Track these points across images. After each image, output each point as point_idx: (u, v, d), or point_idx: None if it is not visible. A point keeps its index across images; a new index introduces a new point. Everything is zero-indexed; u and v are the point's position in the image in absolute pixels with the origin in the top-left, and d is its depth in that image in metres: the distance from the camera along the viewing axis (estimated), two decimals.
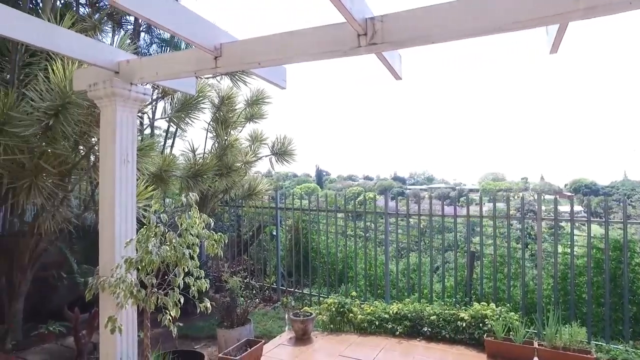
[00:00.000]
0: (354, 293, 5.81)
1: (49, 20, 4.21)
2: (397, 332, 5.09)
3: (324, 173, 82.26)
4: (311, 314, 5.30)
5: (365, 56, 2.73)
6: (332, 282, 7.03)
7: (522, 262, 5.55)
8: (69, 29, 3.92)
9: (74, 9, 6.58)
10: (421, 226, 7.49)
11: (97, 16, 6.45)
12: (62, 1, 6.65)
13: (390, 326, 5.17)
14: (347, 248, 6.93)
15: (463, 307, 5.25)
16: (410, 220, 6.56)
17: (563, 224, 6.21)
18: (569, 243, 5.17)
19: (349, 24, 2.44)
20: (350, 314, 5.34)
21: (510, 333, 4.54)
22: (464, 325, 4.84)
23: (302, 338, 5.14)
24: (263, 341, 4.66)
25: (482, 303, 5.08)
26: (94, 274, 3.38)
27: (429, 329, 5.01)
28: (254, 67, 2.97)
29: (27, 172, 4.59)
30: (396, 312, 5.26)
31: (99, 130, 3.71)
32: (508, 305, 5.18)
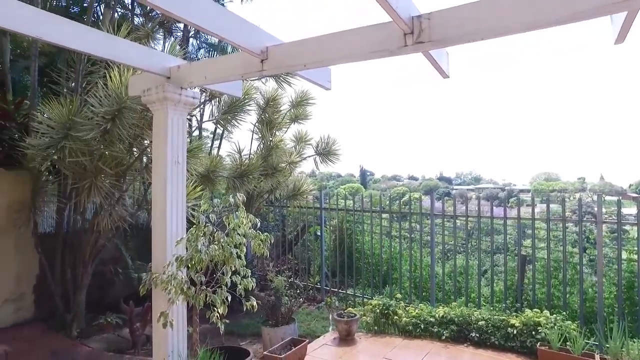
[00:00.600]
0: (398, 295, 5.72)
1: (107, 32, 4.47)
2: (443, 337, 4.95)
3: (368, 173, 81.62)
4: (355, 314, 5.28)
5: (410, 54, 2.69)
6: (376, 283, 6.97)
7: (579, 268, 5.22)
8: (124, 38, 4.14)
9: (129, 19, 6.95)
10: (468, 228, 7.25)
11: (149, 25, 6.77)
12: (119, 13, 7.04)
13: (436, 330, 5.04)
14: (392, 249, 6.84)
15: (514, 313, 5.02)
16: (457, 221, 6.36)
17: (627, 227, 5.79)
18: (636, 249, 4.80)
19: (394, 23, 2.41)
20: (395, 316, 5.26)
21: (567, 343, 4.27)
22: (515, 332, 4.63)
23: (345, 339, 5.12)
24: (307, 340, 4.69)
25: (534, 310, 4.83)
26: (146, 270, 3.55)
27: (477, 335, 4.83)
28: (300, 69, 3.00)
29: (88, 173, 4.90)
30: (442, 316, 5.12)
31: (151, 133, 3.90)
32: (564, 313, 4.88)
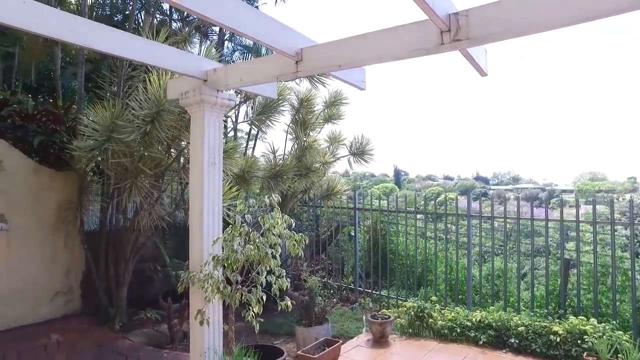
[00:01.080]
0: (434, 297, 5.60)
1: (147, 37, 4.63)
2: (481, 342, 4.81)
3: (402, 173, 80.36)
4: (389, 316, 5.21)
5: (446, 53, 2.62)
6: (411, 285, 6.86)
7: (631, 274, 4.92)
8: (163, 43, 4.27)
9: (168, 24, 7.18)
10: (506, 229, 7.00)
11: (186, 29, 6.97)
12: (158, 19, 7.29)
13: (472, 334, 4.90)
14: (427, 250, 6.71)
15: (556, 320, 4.79)
16: (495, 222, 6.17)
17: None
18: None
19: (431, 21, 2.36)
20: (430, 319, 5.16)
21: (619, 355, 4.02)
22: (558, 340, 4.42)
23: (379, 341, 5.07)
24: (341, 341, 4.68)
25: (579, 317, 4.60)
26: (183, 268, 3.65)
27: (517, 341, 4.66)
28: (334, 70, 2.99)
29: (129, 174, 5.10)
30: (479, 320, 4.97)
31: (189, 135, 4.00)
32: (613, 322, 4.60)
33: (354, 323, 6.10)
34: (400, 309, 5.48)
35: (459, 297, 6.32)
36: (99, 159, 5.04)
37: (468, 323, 5.00)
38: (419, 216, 7.03)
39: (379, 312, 5.37)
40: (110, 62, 6.04)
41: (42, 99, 7.34)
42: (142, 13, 7.03)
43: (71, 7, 7.38)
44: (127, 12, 7.15)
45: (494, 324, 4.87)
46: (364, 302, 6.07)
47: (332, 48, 2.92)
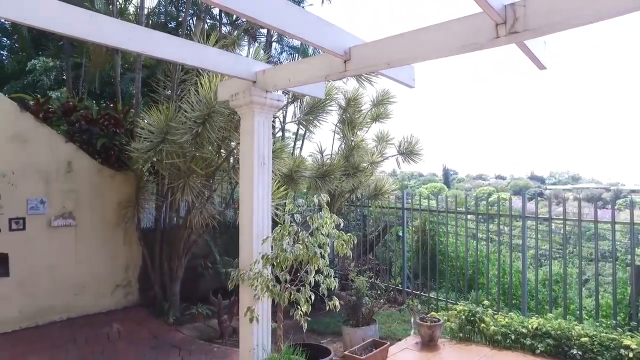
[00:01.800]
0: (485, 301, 5.38)
1: (199, 42, 4.80)
2: (538, 351, 4.54)
3: (451, 172, 77.82)
4: (439, 319, 5.07)
5: (499, 47, 2.49)
6: (461, 288, 6.64)
7: None
8: (213, 46, 4.40)
9: (218, 28, 7.41)
10: (565, 231, 6.60)
11: (235, 33, 7.15)
12: (209, 24, 7.54)
13: (529, 342, 4.64)
14: (478, 252, 6.46)
15: (627, 333, 4.41)
16: (552, 224, 5.81)
17: None
18: None
19: (485, 14, 2.26)
20: (482, 324, 4.95)
21: None
22: (631, 355, 4.04)
23: (428, 344, 4.94)
24: (388, 343, 4.60)
25: None
26: (232, 266, 3.75)
27: (579, 352, 4.35)
28: (383, 69, 2.94)
29: (182, 174, 5.31)
30: (536, 327, 4.70)
31: (238, 136, 4.10)
32: None
33: (401, 325, 5.99)
34: (450, 312, 5.31)
35: (513, 302, 6.03)
36: (154, 159, 5.29)
37: (523, 330, 4.75)
38: (469, 217, 6.78)
39: (428, 315, 5.23)
40: (165, 67, 6.33)
41: (104, 104, 7.83)
42: (194, 19, 7.30)
43: (130, 17, 7.82)
44: (180, 19, 7.46)
45: (552, 332, 4.59)
46: (412, 304, 5.94)
47: (381, 46, 2.88)
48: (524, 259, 5.70)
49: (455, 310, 5.18)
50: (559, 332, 4.56)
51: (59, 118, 6.48)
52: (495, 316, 5.12)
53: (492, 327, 4.90)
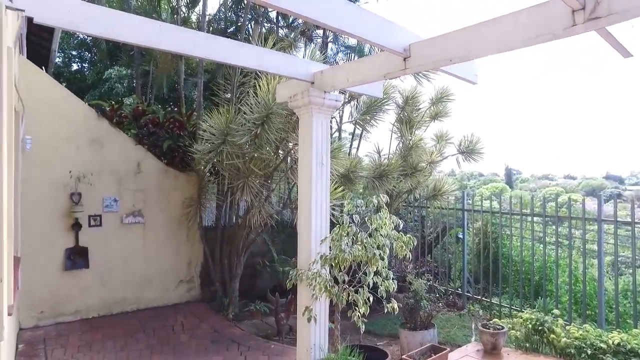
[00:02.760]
0: (555, 311, 5.02)
1: (257, 45, 4.92)
2: None
3: (514, 172, 73.49)
4: (502, 327, 4.80)
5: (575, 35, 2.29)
6: (526, 294, 6.25)
7: None
8: (271, 49, 4.49)
9: (275, 31, 7.56)
10: None
11: (292, 35, 7.26)
12: (266, 27, 7.73)
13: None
14: (545, 257, 6.05)
15: None
16: (635, 228, 5.30)
17: None
18: None
19: (560, 0, 2.09)
20: (552, 335, 4.62)
21: None
22: None
23: (491, 352, 4.70)
24: (448, 349, 4.44)
25: None
26: (289, 264, 3.79)
27: None
28: (445, 65, 2.82)
29: (241, 174, 5.46)
30: (618, 344, 4.26)
31: (297, 137, 4.14)
32: None
33: (461, 330, 5.76)
34: (514, 320, 5.01)
35: (587, 312, 5.57)
36: (215, 160, 5.49)
37: (602, 345, 4.33)
38: (535, 219, 6.36)
39: (490, 321, 4.98)
40: (224, 72, 6.57)
41: (169, 108, 8.29)
42: (252, 23, 7.51)
43: (192, 24, 8.21)
44: (238, 24, 7.70)
45: (639, 350, 4.16)
46: (472, 309, 5.71)
47: (443, 41, 2.77)
48: (600, 266, 5.25)
49: (521, 318, 4.88)
50: None
51: (130, 122, 6.94)
52: (567, 327, 4.76)
53: (564, 339, 4.55)
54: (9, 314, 1.86)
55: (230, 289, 6.29)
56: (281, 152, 5.69)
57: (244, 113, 5.28)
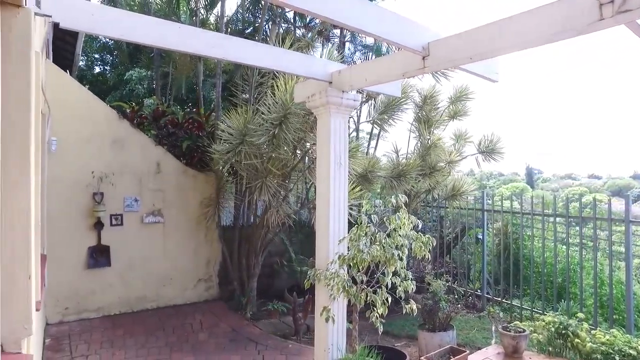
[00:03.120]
0: (580, 314, 4.88)
1: (274, 45, 4.94)
2: None
3: (535, 171, 71.88)
4: (524, 329, 4.70)
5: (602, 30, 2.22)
6: (548, 297, 6.11)
7: None
8: (288, 49, 4.50)
9: (292, 32, 7.58)
10: None
11: (309, 35, 7.26)
12: (283, 28, 7.75)
13: None
14: (569, 259, 5.90)
15: None
16: None
17: None
18: None
19: None
20: (577, 339, 4.49)
21: None
22: None
23: (512, 356, 4.61)
24: (467, 352, 4.37)
25: None
26: (307, 264, 3.79)
27: None
28: (465, 63, 2.78)
29: (259, 174, 5.49)
30: None
31: (314, 136, 4.14)
32: None
33: (480, 332, 5.67)
34: (537, 323, 4.89)
35: (614, 317, 5.41)
36: (234, 160, 5.53)
37: (632, 352, 4.18)
38: (558, 219, 6.21)
39: (511, 324, 4.88)
40: (242, 72, 6.62)
41: (188, 109, 8.41)
42: (269, 24, 7.54)
43: (211, 26, 8.30)
44: (256, 25, 7.75)
45: None
46: (492, 311, 5.60)
47: (462, 39, 2.73)
48: (628, 269, 5.09)
49: (543, 321, 4.77)
50: None
51: (150, 123, 7.06)
52: (593, 332, 4.63)
53: (589, 344, 4.42)
54: (37, 310, 1.91)
55: (248, 288, 6.33)
56: (299, 152, 5.70)
57: (262, 113, 5.31)
